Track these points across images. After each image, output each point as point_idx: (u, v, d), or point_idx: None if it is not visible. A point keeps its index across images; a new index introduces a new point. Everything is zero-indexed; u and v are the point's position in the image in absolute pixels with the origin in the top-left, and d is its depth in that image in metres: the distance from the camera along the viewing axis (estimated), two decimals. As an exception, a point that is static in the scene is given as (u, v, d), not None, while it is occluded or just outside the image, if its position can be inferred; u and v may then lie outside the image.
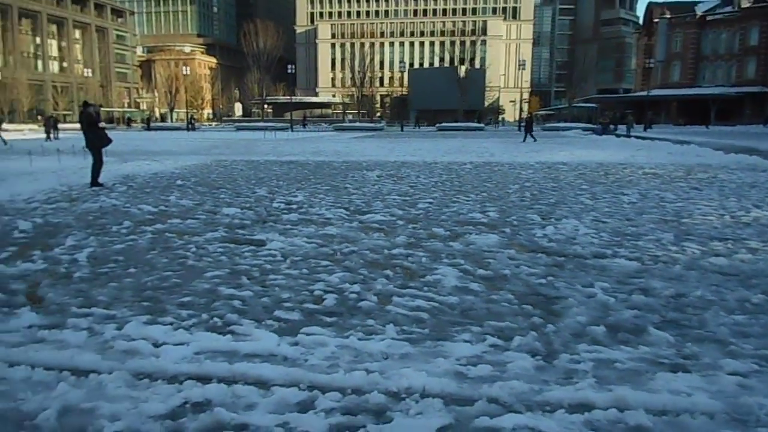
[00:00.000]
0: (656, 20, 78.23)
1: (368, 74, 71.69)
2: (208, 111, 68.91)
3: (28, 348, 3.55)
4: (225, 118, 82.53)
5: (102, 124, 12.16)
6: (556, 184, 11.87)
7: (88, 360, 3.36)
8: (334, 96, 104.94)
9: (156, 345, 3.59)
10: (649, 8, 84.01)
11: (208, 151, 23.58)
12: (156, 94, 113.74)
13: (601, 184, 11.92)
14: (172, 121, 68.05)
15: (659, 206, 9.05)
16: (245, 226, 7.57)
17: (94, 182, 11.75)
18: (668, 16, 76.07)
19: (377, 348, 3.56)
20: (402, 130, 54.75)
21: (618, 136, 36.41)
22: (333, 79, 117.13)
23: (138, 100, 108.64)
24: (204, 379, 3.12)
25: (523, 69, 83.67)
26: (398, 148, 25.88)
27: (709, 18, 73.17)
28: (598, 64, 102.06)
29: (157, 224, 7.63)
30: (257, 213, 8.55)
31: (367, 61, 72.94)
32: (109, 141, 11.92)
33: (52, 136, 34.26)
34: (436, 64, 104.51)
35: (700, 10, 74.88)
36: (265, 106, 79.79)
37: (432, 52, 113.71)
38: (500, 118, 80.00)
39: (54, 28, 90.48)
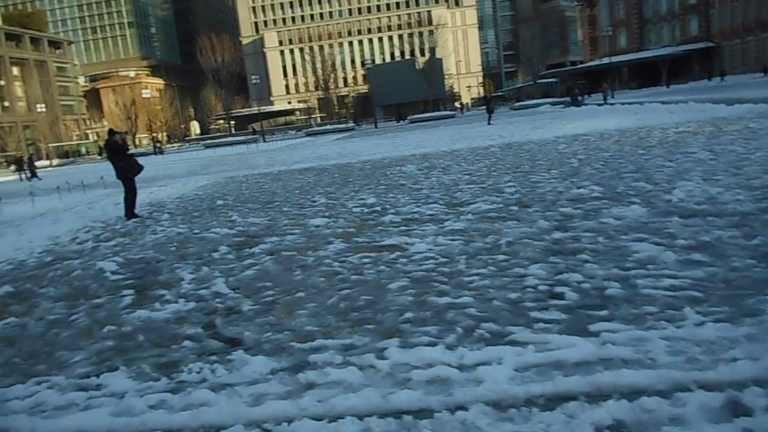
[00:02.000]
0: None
1: (338, 75, 70.68)
2: (162, 133, 66.56)
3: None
4: (187, 138, 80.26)
5: (131, 151, 11.31)
6: (612, 154, 11.63)
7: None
8: (289, 103, 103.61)
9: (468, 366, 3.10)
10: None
11: (206, 170, 22.64)
12: (105, 123, 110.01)
13: (653, 148, 11.78)
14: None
15: (745, 157, 8.94)
16: (355, 234, 7.03)
17: (131, 213, 10.91)
18: (609, -15, 77.98)
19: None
20: (376, 127, 54.33)
21: (588, 105, 36.93)
22: (287, 86, 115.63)
23: (87, 131, 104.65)
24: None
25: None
26: (396, 142, 25.47)
27: (648, -18, 75.33)
28: (543, 41, 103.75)
29: (259, 245, 7.00)
30: (348, 221, 8.00)
31: (329, 63, 71.98)
32: (141, 168, 11.10)
33: (23, 175, 32.56)
34: (388, 59, 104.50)
35: (638, -25, 77.04)
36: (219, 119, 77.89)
37: (381, 48, 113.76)
38: (464, 104, 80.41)
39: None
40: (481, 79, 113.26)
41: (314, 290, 4.93)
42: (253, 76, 60.53)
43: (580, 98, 44.92)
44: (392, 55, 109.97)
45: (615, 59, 73.96)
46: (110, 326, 4.61)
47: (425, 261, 5.37)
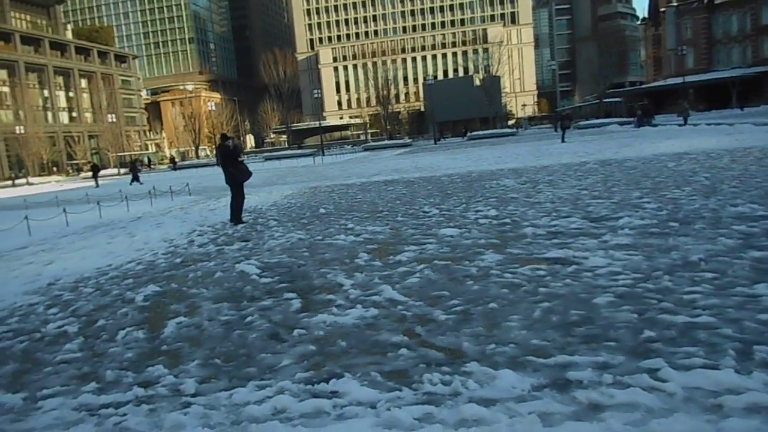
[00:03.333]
0: (663, 9, 78.03)
1: (388, 92, 71.13)
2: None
3: None
4: (246, 151, 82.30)
5: (242, 158, 11.36)
6: (740, 173, 10.88)
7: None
8: (341, 118, 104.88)
9: None
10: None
11: (283, 181, 22.81)
12: (164, 135, 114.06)
13: (782, 167, 11.01)
14: (198, 158, 67.74)
15: None
16: (502, 245, 6.66)
17: (238, 219, 10.90)
18: (675, 4, 75.80)
19: None
20: (436, 143, 54.10)
21: (662, 126, 35.50)
22: (339, 102, 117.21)
23: (147, 142, 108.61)
24: None
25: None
26: (470, 158, 25.07)
27: (717, 1, 72.81)
28: (602, 60, 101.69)
29: (401, 253, 6.72)
30: (482, 231, 7.65)
31: (389, 79, 72.45)
32: (250, 174, 11.11)
33: (96, 182, 34.00)
34: (441, 76, 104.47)
35: (706, -5, 74.66)
36: (279, 134, 79.38)
37: (435, 65, 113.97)
38: (520, 121, 79.31)
39: (60, 79, 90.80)
40: (536, 98, 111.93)
41: (505, 301, 4.59)
42: (315, 91, 61.26)
43: (646, 119, 43.52)
44: (445, 72, 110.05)
45: (680, 80, 71.77)
46: (299, 330, 4.39)
47: (616, 276, 4.95)
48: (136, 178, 31.40)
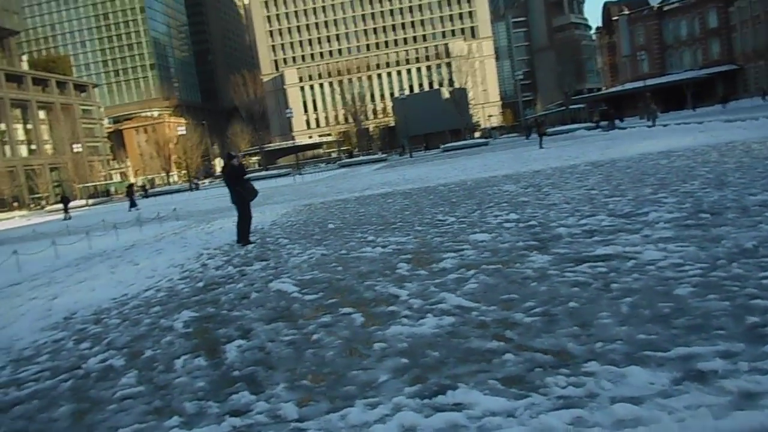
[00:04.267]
0: (615, 18, 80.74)
1: (360, 108, 71.33)
2: (192, 170, 67.17)
3: None
4: (216, 174, 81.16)
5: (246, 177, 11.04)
6: (738, 165, 11.11)
7: None
8: (310, 137, 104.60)
9: None
10: (606, 8, 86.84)
11: (271, 200, 22.36)
12: (129, 163, 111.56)
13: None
14: (169, 185, 66.36)
15: None
16: (541, 247, 6.56)
17: (246, 239, 10.57)
18: (627, 12, 78.52)
19: None
20: (411, 156, 54.31)
21: (629, 128, 36.38)
22: (307, 121, 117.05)
23: (111, 171, 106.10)
24: None
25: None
26: (455, 168, 25.16)
27: (666, 8, 75.80)
28: (559, 69, 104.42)
29: (441, 261, 6.55)
30: (513, 235, 7.56)
31: (360, 94, 72.63)
32: (257, 193, 10.81)
33: (67, 215, 32.88)
34: (407, 92, 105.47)
35: (655, 2, 77.62)
36: (249, 156, 78.51)
37: (401, 81, 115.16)
38: (492, 132, 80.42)
39: (18, 111, 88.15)
40: (500, 108, 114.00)
41: (582, 300, 4.46)
42: (287, 111, 61.17)
43: (616, 121, 44.68)
44: (411, 87, 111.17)
45: (639, 84, 74.16)
46: (379, 344, 4.17)
47: (680, 268, 4.87)
48: (133, 204, 30.74)
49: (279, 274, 7.40)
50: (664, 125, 33.02)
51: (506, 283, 5.29)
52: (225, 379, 4.03)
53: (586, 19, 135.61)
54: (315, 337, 4.59)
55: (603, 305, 4.25)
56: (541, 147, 29.44)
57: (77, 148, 68.39)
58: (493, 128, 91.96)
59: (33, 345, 5.79)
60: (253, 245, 10.37)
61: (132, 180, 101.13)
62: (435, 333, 4.23)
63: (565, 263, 5.61)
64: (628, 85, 75.12)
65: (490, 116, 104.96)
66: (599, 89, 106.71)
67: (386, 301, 5.32)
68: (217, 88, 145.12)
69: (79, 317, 6.72)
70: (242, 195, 10.50)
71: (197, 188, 52.43)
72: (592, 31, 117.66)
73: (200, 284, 7.60)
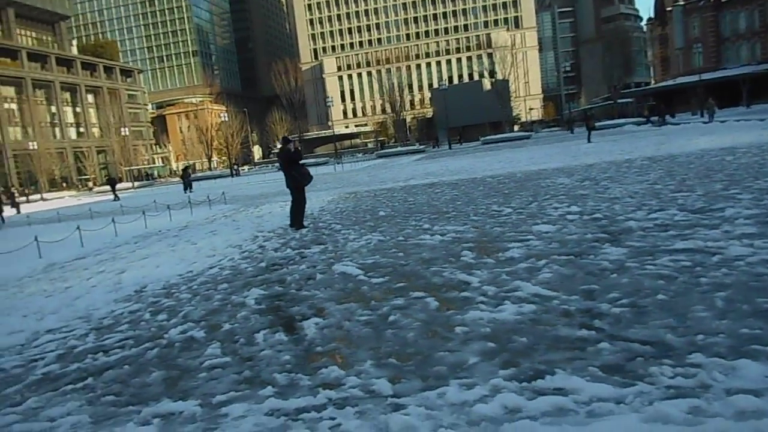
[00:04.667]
0: (669, 9, 78.03)
1: (400, 99, 71.13)
2: (233, 157, 68.26)
3: None
4: (256, 162, 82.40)
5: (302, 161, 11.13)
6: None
7: None
8: (347, 127, 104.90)
9: None
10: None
11: (315, 188, 22.48)
12: (170, 148, 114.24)
13: None
14: (211, 170, 67.72)
15: None
16: (611, 239, 6.40)
17: (300, 224, 10.68)
18: (682, 3, 75.70)
19: None
20: (450, 149, 53.92)
21: (682, 124, 35.16)
22: (344, 111, 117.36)
23: (154, 155, 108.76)
24: None
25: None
26: (502, 160, 24.80)
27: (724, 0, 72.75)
28: (606, 62, 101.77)
29: (507, 251, 6.48)
30: (578, 227, 7.41)
31: (398, 86, 72.46)
32: (311, 178, 10.89)
33: (115, 196, 34.07)
34: (446, 83, 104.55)
35: (712, -7, 74.60)
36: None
37: (440, 71, 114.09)
38: (534, 126, 78.98)
39: (67, 95, 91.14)
40: (542, 102, 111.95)
41: (670, 293, 4.32)
42: (328, 99, 61.42)
43: (665, 117, 43.34)
44: (450, 79, 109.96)
45: (693, 78, 71.66)
46: (460, 327, 4.14)
47: (775, 262, 4.70)
48: (188, 186, 31.24)
49: (340, 257, 7.44)
50: (722, 121, 31.77)
51: (583, 273, 5.18)
52: (310, 354, 4.07)
53: (637, 10, 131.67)
54: (391, 318, 4.60)
55: (695, 299, 4.12)
56: (589, 141, 28.78)
57: (124, 131, 70.22)
58: (534, 122, 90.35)
59: (110, 315, 5.98)
60: (306, 230, 10.46)
61: (174, 165, 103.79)
62: (517, 320, 4.18)
63: (643, 256, 5.46)
64: (680, 80, 72.67)
65: (531, 109, 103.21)
66: (647, 83, 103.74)
67: (457, 287, 5.28)
68: (257, 76, 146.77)
69: (150, 291, 6.91)
70: (297, 180, 10.59)
71: (238, 174, 53.31)
72: (643, 23, 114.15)
73: (262, 264, 7.72)
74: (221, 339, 4.68)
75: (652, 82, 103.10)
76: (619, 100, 68.59)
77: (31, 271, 9.51)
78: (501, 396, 2.98)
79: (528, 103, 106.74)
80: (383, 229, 9.42)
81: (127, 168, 76.29)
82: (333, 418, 3.01)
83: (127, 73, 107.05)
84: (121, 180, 61.97)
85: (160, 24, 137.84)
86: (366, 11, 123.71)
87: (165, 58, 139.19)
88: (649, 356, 3.26)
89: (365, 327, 4.49)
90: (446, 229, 8.54)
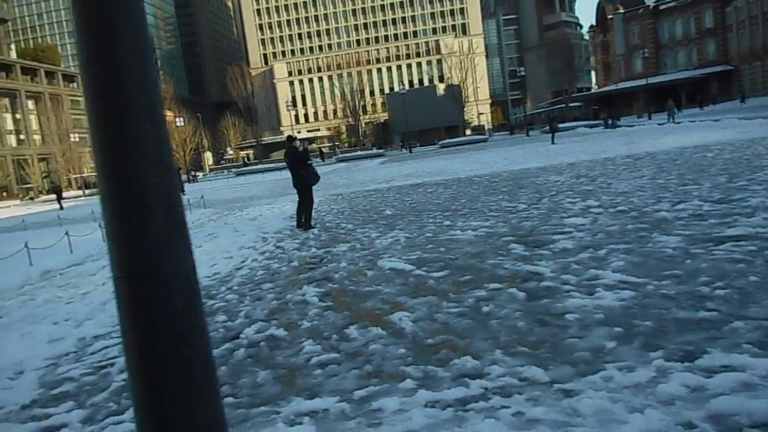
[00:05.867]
0: (610, 16, 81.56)
1: (354, 103, 71.03)
2: (186, 163, 66.09)
3: None
4: (210, 167, 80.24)
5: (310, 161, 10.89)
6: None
7: None
8: (299, 132, 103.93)
9: None
10: (601, 6, 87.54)
11: (290, 192, 22.14)
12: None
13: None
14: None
15: None
16: (652, 229, 6.55)
17: (307, 224, 10.43)
18: (622, 11, 79.26)
19: None
20: (410, 152, 54.21)
21: (635, 126, 36.61)
22: (296, 116, 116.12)
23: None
24: None
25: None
26: (475, 161, 25.09)
27: (662, 7, 76.64)
28: (550, 68, 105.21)
29: (551, 244, 6.52)
30: (612, 218, 7.55)
31: (357, 90, 72.32)
32: (318, 178, 10.67)
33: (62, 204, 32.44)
34: (396, 88, 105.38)
35: (651, 1, 78.49)
36: (241, 150, 77.98)
37: (390, 77, 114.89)
38: (484, 128, 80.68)
39: (6, 101, 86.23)
40: (489, 107, 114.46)
41: (761, 275, 4.45)
42: (287, 104, 60.73)
43: (614, 120, 45.16)
44: (401, 83, 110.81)
45: (635, 83, 75.09)
46: (569, 314, 4.11)
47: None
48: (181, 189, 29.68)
49: (377, 254, 7.30)
50: (677, 123, 33.39)
51: (653, 260, 5.26)
52: (422, 346, 3.94)
53: (577, 18, 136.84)
54: (485, 309, 4.52)
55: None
56: (553, 143, 29.60)
57: (74, 137, 66.87)
58: (481, 126, 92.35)
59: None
60: (316, 230, 10.23)
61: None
62: (623, 305, 4.17)
63: (702, 243, 5.60)
64: (622, 85, 76.10)
65: (480, 114, 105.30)
66: (588, 88, 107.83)
67: (530, 277, 5.26)
68: (205, 81, 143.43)
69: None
70: (305, 179, 10.35)
71: (195, 180, 51.82)
72: (584, 30, 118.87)
73: (294, 263, 7.48)
74: (309, 336, 4.47)
75: (594, 87, 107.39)
76: (559, 106, 70.92)
77: (27, 279, 8.86)
78: (675, 376, 2.95)
79: (478, 108, 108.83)
80: (401, 226, 9.33)
81: (75, 176, 72.70)
82: (507, 407, 2.90)
83: (69, 78, 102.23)
84: (64, 188, 58.88)
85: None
86: (316, 17, 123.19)
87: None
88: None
89: (462, 318, 4.39)
90: (471, 224, 8.53)
